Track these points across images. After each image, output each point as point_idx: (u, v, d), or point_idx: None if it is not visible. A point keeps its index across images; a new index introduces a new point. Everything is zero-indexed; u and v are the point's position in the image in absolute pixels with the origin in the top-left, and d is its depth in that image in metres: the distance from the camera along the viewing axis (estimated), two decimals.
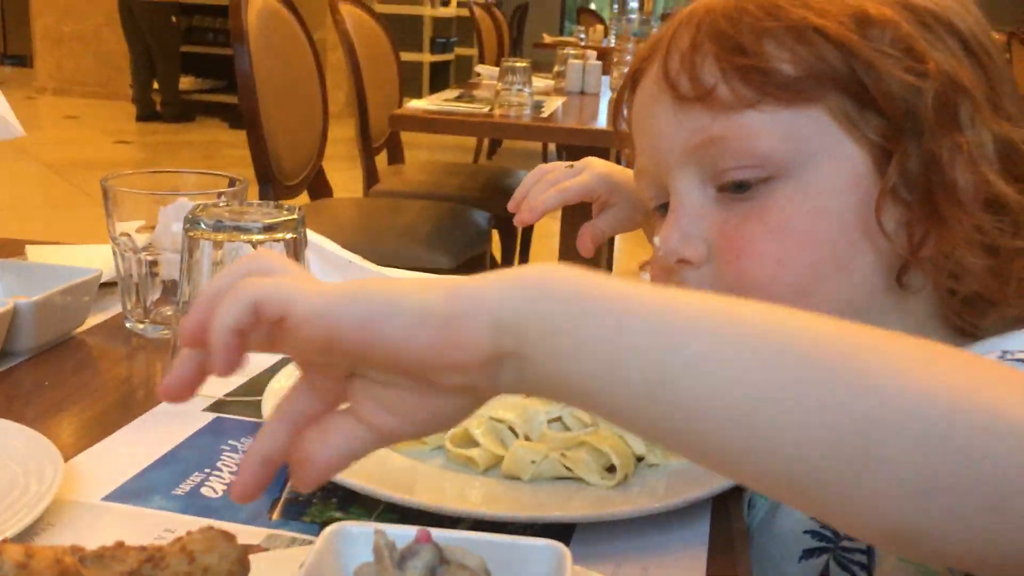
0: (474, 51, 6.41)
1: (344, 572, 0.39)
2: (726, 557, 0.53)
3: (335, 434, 0.36)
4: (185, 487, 0.58)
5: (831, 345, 0.32)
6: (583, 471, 0.58)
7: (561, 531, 0.54)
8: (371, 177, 2.93)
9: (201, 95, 7.39)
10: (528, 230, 2.98)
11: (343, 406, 0.37)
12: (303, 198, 2.70)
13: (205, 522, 0.52)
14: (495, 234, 2.82)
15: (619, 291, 0.33)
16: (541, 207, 0.80)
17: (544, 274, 0.34)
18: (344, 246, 1.04)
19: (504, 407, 0.62)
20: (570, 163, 0.83)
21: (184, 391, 0.37)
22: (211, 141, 6.44)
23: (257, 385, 0.70)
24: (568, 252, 2.25)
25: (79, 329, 0.82)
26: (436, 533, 0.38)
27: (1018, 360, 0.47)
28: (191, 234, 0.70)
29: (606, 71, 3.07)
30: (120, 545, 0.39)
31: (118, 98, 7.73)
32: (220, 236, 0.70)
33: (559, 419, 0.62)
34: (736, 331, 0.32)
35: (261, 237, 0.71)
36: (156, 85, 6.96)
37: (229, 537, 0.37)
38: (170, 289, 0.84)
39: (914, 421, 0.30)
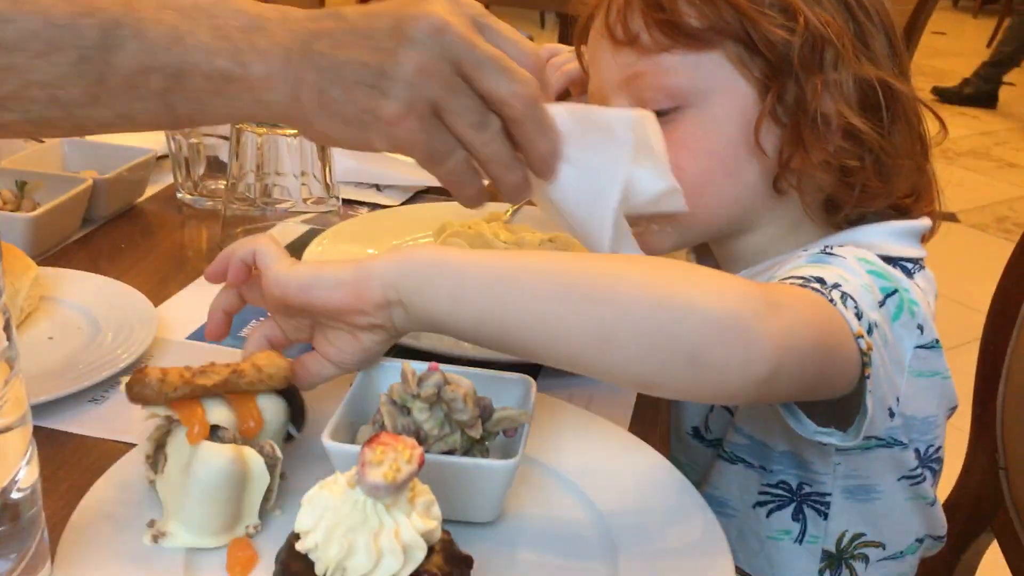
0: None
1: (380, 389, 0.57)
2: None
3: (311, 364, 0.57)
4: (247, 330, 0.76)
5: (582, 275, 0.51)
6: None
7: (531, 370, 0.72)
8: None
9: None
10: None
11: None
12: None
13: None
14: None
15: (460, 259, 0.53)
16: (551, 90, 0.95)
17: (414, 252, 0.54)
18: None
19: None
20: (572, 49, 0.97)
21: (220, 333, 0.61)
22: None
23: (294, 252, 0.87)
24: None
25: (140, 199, 0.98)
26: (440, 366, 0.56)
27: (829, 254, 0.64)
28: (239, 127, 0.86)
29: None
30: (213, 364, 0.56)
31: None
32: (261, 129, 0.86)
33: None
34: (525, 276, 0.52)
35: (294, 131, 0.87)
36: None
37: (281, 355, 0.55)
38: (214, 164, 1.00)
39: (634, 314, 0.49)
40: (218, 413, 0.52)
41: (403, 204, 1.04)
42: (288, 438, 0.57)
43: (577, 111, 0.63)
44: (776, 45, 0.65)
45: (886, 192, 0.68)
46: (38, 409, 0.62)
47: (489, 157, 0.59)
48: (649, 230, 0.72)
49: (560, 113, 0.62)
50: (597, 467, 0.60)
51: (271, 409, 0.55)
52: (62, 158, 0.98)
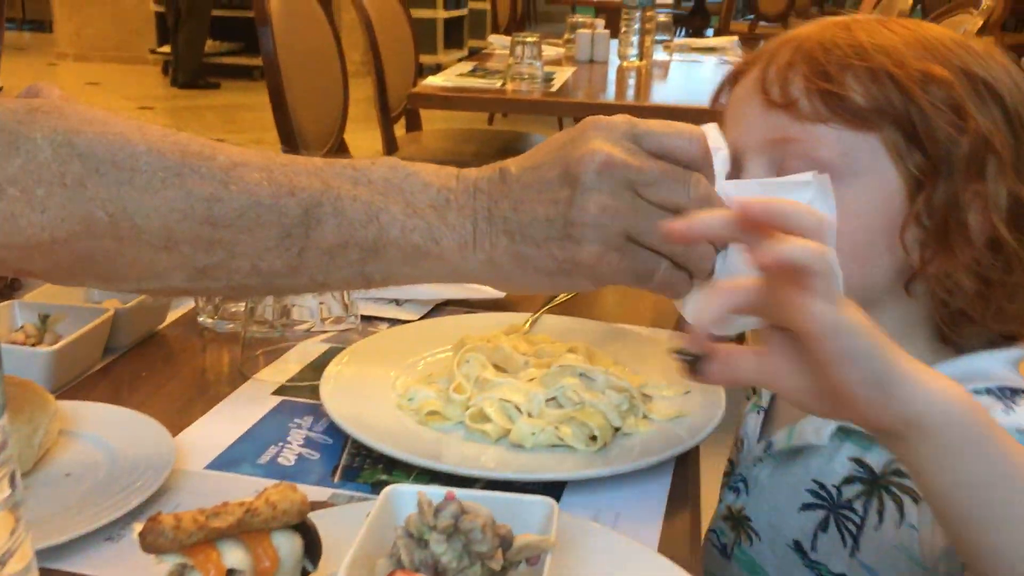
0: (487, 4, 6.47)
1: (397, 520, 0.55)
2: (681, 505, 0.70)
3: (740, 362, 0.52)
4: (266, 457, 0.75)
5: None
6: (572, 440, 0.74)
7: (554, 487, 0.70)
8: (390, 146, 3.06)
9: (220, 57, 7.51)
10: None
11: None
12: None
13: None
14: None
15: (998, 437, 0.47)
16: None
17: (955, 394, 0.47)
18: None
19: (512, 390, 0.78)
20: None
21: (685, 238, 0.52)
22: (232, 104, 6.58)
23: (313, 372, 0.87)
24: None
25: (161, 325, 0.98)
26: (458, 492, 0.55)
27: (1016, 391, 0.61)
28: None
29: (614, 36, 3.19)
30: (227, 504, 0.55)
31: (137, 62, 7.87)
32: None
33: (555, 399, 0.78)
34: None
35: None
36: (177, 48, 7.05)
37: (294, 488, 0.54)
38: None
39: None
40: (233, 555, 0.51)
41: (423, 318, 1.04)
42: (304, 574, 0.55)
43: (766, 181, 0.65)
44: (940, 141, 0.63)
45: (1019, 317, 0.65)
46: (53, 550, 0.61)
47: (688, 258, 0.59)
48: None
49: (747, 185, 0.65)
50: None
51: (286, 545, 0.53)
52: (84, 289, 0.99)
